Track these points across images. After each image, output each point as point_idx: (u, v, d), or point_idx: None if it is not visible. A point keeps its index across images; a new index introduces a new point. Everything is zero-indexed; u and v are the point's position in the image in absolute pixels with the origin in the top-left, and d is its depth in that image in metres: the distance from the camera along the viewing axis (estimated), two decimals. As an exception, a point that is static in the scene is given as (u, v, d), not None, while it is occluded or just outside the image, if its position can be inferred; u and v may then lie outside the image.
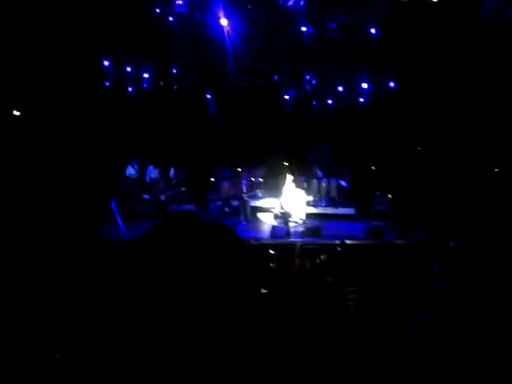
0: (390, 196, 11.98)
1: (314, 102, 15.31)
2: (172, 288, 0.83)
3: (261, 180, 13.90)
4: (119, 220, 10.18)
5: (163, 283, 0.84)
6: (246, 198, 12.31)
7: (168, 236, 0.90)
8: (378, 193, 12.16)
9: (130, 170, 13.20)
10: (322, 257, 7.92)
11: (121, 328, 0.85)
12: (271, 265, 7.53)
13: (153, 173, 13.70)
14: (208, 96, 15.09)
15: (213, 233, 0.92)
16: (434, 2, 10.74)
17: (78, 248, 7.68)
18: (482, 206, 9.80)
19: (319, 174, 14.05)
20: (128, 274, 0.89)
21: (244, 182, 13.20)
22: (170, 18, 12.09)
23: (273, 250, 8.39)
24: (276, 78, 14.78)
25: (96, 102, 12.50)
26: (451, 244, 8.02)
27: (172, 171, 14.04)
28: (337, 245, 9.04)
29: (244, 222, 11.83)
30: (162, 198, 12.53)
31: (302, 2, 11.91)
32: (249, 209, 12.27)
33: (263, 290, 5.79)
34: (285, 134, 15.74)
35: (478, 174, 10.78)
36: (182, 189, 13.12)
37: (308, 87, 14.78)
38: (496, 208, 9.53)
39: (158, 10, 11.76)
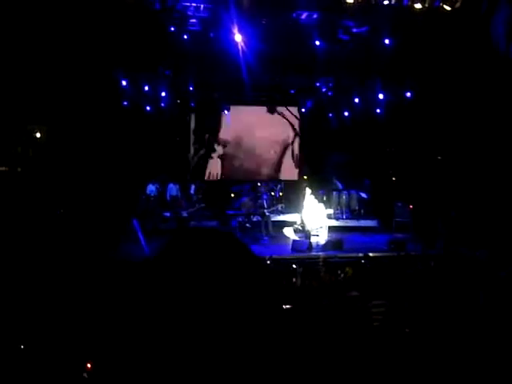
0: (411, 206, 11.86)
1: (330, 115, 15.34)
2: (189, 304, 0.84)
3: (281, 194, 13.90)
4: (142, 239, 10.22)
5: (180, 300, 0.85)
6: (267, 213, 12.30)
7: (185, 251, 0.90)
8: (399, 204, 12.04)
9: (151, 188, 13.30)
10: (346, 270, 7.86)
11: (136, 343, 0.86)
12: (294, 280, 7.49)
13: (173, 190, 13.79)
14: (225, 112, 15.20)
15: (230, 249, 0.92)
16: (446, 10, 10.70)
17: (99, 267, 7.75)
18: (503, 215, 9.65)
19: (339, 185, 14.00)
20: (145, 290, 0.90)
21: (265, 196, 13.22)
22: (185, 36, 12.21)
23: (295, 264, 8.35)
24: (292, 92, 14.86)
25: (115, 122, 12.68)
26: (477, 254, 7.90)
27: (193, 188, 14.11)
28: (360, 257, 8.96)
29: (266, 238, 11.81)
30: (184, 214, 12.59)
31: (315, 16, 11.96)
32: (271, 224, 12.26)
33: (286, 306, 5.76)
34: (302, 147, 15.79)
35: (498, 182, 10.63)
36: (203, 205, 13.18)
37: (324, 100, 14.82)
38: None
39: (172, 29, 11.89)
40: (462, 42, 10.90)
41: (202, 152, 15.55)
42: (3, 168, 12.11)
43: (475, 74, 10.87)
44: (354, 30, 12.03)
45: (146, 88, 13.70)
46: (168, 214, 12.63)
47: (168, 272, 0.85)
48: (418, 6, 10.71)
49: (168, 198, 13.51)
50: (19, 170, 12.38)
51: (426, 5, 10.79)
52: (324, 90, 14.63)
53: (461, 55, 11.07)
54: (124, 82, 13.18)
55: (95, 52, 11.22)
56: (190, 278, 0.83)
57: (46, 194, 11.54)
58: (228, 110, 15.01)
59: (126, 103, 13.60)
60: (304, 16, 12.03)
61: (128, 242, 10.25)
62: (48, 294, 6.14)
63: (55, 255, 8.45)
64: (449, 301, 5.91)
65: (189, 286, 0.82)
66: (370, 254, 9.17)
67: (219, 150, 15.63)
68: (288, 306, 5.78)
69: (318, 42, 12.64)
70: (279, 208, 13.26)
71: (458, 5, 10.70)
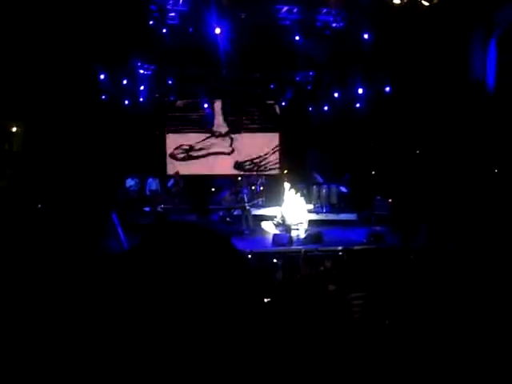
0: (390, 200, 11.98)
1: (310, 109, 15.38)
2: (169, 298, 0.82)
3: (262, 188, 13.90)
4: (121, 233, 10.15)
5: (159, 293, 0.83)
6: (247, 207, 12.30)
7: (164, 245, 0.89)
8: (378, 197, 12.15)
9: (130, 183, 13.20)
10: (326, 263, 7.90)
11: (116, 340, 0.84)
12: (274, 273, 7.52)
13: (153, 185, 13.71)
14: (205, 105, 15.15)
15: (209, 242, 0.91)
16: (425, 6, 10.80)
17: (79, 261, 7.67)
18: (481, 209, 9.80)
19: (319, 179, 14.07)
20: (124, 283, 0.88)
21: (245, 190, 13.22)
22: (164, 30, 12.12)
23: (276, 258, 8.38)
24: (272, 86, 14.86)
25: (93, 116, 12.53)
26: (449, 247, 8.03)
27: (171, 182, 14.04)
28: (340, 251, 9.03)
29: (247, 231, 11.83)
30: (163, 209, 12.53)
31: (295, 10, 11.98)
32: (251, 218, 12.27)
33: (266, 299, 5.76)
34: (283, 141, 15.82)
35: (477, 176, 10.79)
36: (183, 199, 13.13)
37: (304, 94, 14.86)
38: (495, 210, 9.53)
39: (151, 22, 11.79)
40: (439, 38, 11.03)
41: (181, 145, 15.49)
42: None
43: (453, 69, 11.00)
44: (333, 25, 12.09)
45: (125, 82, 13.57)
46: (148, 209, 12.55)
47: (144, 265, 0.84)
48: (396, 1, 10.79)
49: (148, 192, 13.43)
50: (-5, 164, 12.18)
51: (405, 0, 10.88)
52: (303, 84, 14.67)
53: (438, 50, 11.20)
54: (102, 76, 13.03)
55: (73, 45, 11.06)
56: (167, 271, 0.82)
57: (24, 188, 11.37)
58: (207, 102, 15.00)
59: (104, 97, 13.45)
60: (284, 10, 12.05)
61: (107, 236, 10.16)
62: (27, 289, 6.06)
63: (34, 249, 8.35)
64: (427, 293, 5.99)
65: (165, 280, 0.81)
66: (350, 248, 9.25)
67: (199, 143, 15.58)
68: (268, 300, 5.79)
69: (297, 37, 12.67)
70: (260, 202, 13.28)
71: (435, 0, 10.81)
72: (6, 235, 8.76)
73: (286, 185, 12.11)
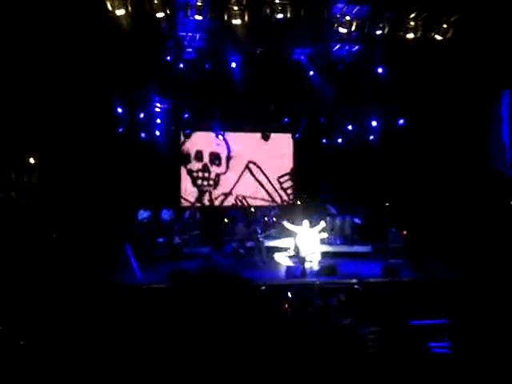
0: (404, 232, 11.87)
1: (324, 141, 15.48)
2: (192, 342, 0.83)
3: (275, 220, 13.88)
4: (134, 264, 10.17)
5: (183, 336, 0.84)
6: (261, 239, 12.28)
7: (188, 295, 0.90)
8: (392, 229, 12.06)
9: (143, 214, 13.27)
10: (340, 296, 7.80)
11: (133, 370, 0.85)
12: (286, 306, 7.43)
13: (167, 216, 13.76)
14: (220, 137, 15.31)
15: (234, 292, 0.92)
16: (438, 40, 10.93)
17: (93, 292, 7.69)
18: (495, 240, 9.69)
19: (333, 211, 14.01)
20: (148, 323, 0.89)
21: (259, 222, 13.22)
22: (181, 65, 12.39)
23: (289, 291, 8.30)
24: (286, 119, 15.01)
25: (109, 148, 12.73)
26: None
27: (187, 214, 14.09)
28: (354, 284, 8.93)
29: (260, 263, 11.77)
30: (177, 240, 12.54)
31: (308, 50, 12.21)
32: (264, 249, 12.22)
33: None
34: (295, 173, 15.88)
35: (491, 208, 10.70)
36: (197, 231, 13.14)
37: (318, 127, 14.98)
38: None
39: (168, 58, 12.07)
40: (452, 71, 11.12)
41: (196, 178, 15.60)
42: (-2, 194, 12.10)
43: (466, 102, 11.05)
44: (347, 60, 12.27)
45: (141, 115, 13.80)
46: (162, 240, 12.58)
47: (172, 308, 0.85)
48: (410, 35, 10.95)
49: (161, 223, 13.48)
50: (13, 195, 12.36)
51: (418, 35, 11.02)
52: (317, 117, 14.81)
53: (452, 83, 11.27)
54: (119, 109, 13.28)
55: (91, 79, 11.34)
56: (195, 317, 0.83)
57: (41, 219, 11.50)
58: (223, 135, 15.13)
59: (120, 130, 13.68)
60: (298, 50, 12.31)
61: (121, 267, 10.19)
62: (43, 318, 6.08)
63: (49, 278, 8.40)
64: (443, 326, 5.88)
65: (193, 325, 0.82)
66: (364, 280, 9.15)
67: (214, 176, 15.69)
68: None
69: (311, 72, 12.88)
70: (273, 233, 13.24)
71: (449, 35, 10.94)
72: (23, 263, 8.85)
73: (299, 216, 12.09)
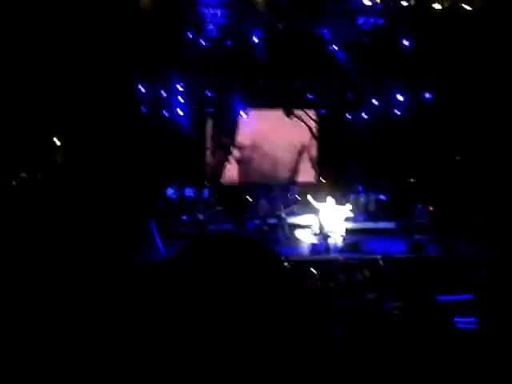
0: (431, 208, 11.70)
1: (348, 116, 15.24)
2: (205, 309, 0.81)
3: (298, 196, 13.83)
4: (159, 242, 10.28)
5: (201, 303, 0.82)
6: (283, 216, 12.27)
7: (205, 255, 0.89)
8: (418, 205, 11.89)
9: (170, 191, 13.38)
10: (364, 272, 7.77)
11: (153, 347, 0.84)
12: (309, 282, 7.43)
13: (191, 194, 13.84)
14: (243, 115, 15.22)
15: (251, 251, 0.90)
16: (468, 10, 10.57)
17: (118, 269, 7.80)
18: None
19: (359, 188, 13.86)
20: (163, 293, 0.88)
21: (281, 199, 13.19)
22: (203, 42, 12.30)
23: (313, 266, 8.29)
24: (309, 94, 14.78)
25: (133, 127, 12.80)
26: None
27: (210, 191, 14.15)
28: (378, 259, 8.86)
29: (283, 240, 11.79)
30: (201, 217, 12.62)
31: (331, 21, 11.96)
32: (287, 226, 12.22)
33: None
34: (320, 149, 15.74)
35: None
36: (220, 208, 13.19)
37: (342, 102, 14.75)
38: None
39: (190, 35, 11.99)
40: (481, 42, 10.77)
41: (219, 156, 15.59)
42: (24, 175, 12.31)
43: (495, 74, 10.72)
44: (372, 32, 11.99)
45: (164, 94, 13.80)
46: (185, 218, 12.67)
47: (185, 275, 0.84)
48: (437, 6, 10.61)
49: (185, 201, 13.57)
50: (39, 176, 12.57)
51: (446, 5, 10.68)
52: (342, 91, 14.57)
53: (480, 55, 10.93)
54: (142, 89, 13.30)
55: (114, 59, 11.37)
56: (208, 282, 0.81)
57: (66, 198, 11.68)
58: (246, 113, 15.01)
59: (143, 109, 13.72)
60: (321, 24, 12.06)
61: (146, 245, 10.30)
62: (68, 297, 6.19)
63: (76, 257, 8.55)
64: (469, 301, 5.80)
65: (206, 291, 0.80)
66: (388, 256, 9.07)
67: (236, 153, 15.65)
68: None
69: (335, 47, 12.64)
70: (295, 210, 13.21)
71: (477, 4, 10.57)
72: (49, 242, 9.01)
73: (324, 193, 12.01)
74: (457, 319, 5.32)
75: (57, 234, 9.65)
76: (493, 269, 7.19)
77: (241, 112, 14.70)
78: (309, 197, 11.94)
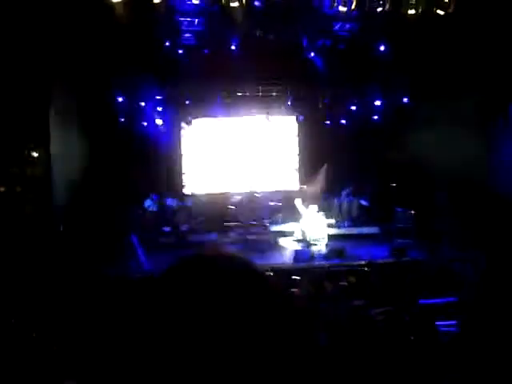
0: (412, 212, 11.77)
1: (328, 123, 15.31)
2: (190, 325, 0.78)
3: (280, 204, 13.81)
4: (141, 254, 10.15)
5: (181, 320, 0.79)
6: (267, 224, 12.26)
7: (185, 278, 0.86)
8: (399, 209, 11.96)
9: (149, 203, 13.24)
10: (349, 278, 7.77)
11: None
12: (295, 290, 7.39)
13: (172, 204, 13.72)
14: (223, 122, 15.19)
15: (234, 277, 0.87)
16: (440, 15, 10.71)
17: (97, 283, 7.69)
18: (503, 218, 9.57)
19: (344, 194, 13.89)
20: (146, 308, 0.85)
21: (264, 207, 13.16)
22: (180, 51, 12.25)
23: (297, 274, 8.26)
24: (289, 101, 14.82)
25: (112, 138, 12.67)
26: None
27: (192, 201, 14.05)
28: (362, 265, 8.88)
29: (266, 248, 11.75)
30: (183, 228, 12.52)
31: (309, 30, 12.01)
32: (271, 234, 12.19)
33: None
34: (300, 156, 15.76)
35: (498, 185, 10.56)
36: (202, 218, 13.10)
37: (321, 108, 14.80)
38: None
39: (167, 44, 11.92)
40: (456, 46, 10.91)
41: (199, 165, 15.52)
42: (2, 188, 12.06)
43: (470, 77, 10.85)
44: (347, 38, 12.07)
45: (142, 104, 13.70)
46: (167, 229, 12.56)
47: (171, 293, 0.81)
48: (411, 11, 10.73)
49: (166, 212, 13.45)
50: (18, 189, 12.32)
51: (420, 10, 10.81)
52: (321, 98, 14.64)
53: (456, 59, 11.07)
54: (120, 99, 13.19)
55: (90, 69, 11.24)
56: (193, 300, 0.79)
57: (45, 211, 11.47)
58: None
59: (122, 119, 13.60)
60: (298, 31, 12.10)
61: (127, 257, 10.16)
62: (45, 309, 6.07)
63: (55, 271, 8.40)
64: (452, 306, 5.82)
65: (191, 309, 0.78)
66: (372, 262, 9.09)
67: (217, 161, 15.59)
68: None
69: (312, 54, 12.71)
70: (279, 218, 13.19)
71: (451, 9, 10.72)
72: (29, 256, 8.85)
73: (305, 199, 12.01)
74: (439, 323, 5.34)
75: (36, 247, 9.47)
76: (475, 271, 7.24)
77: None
78: (296, 201, 11.89)
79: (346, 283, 7.60)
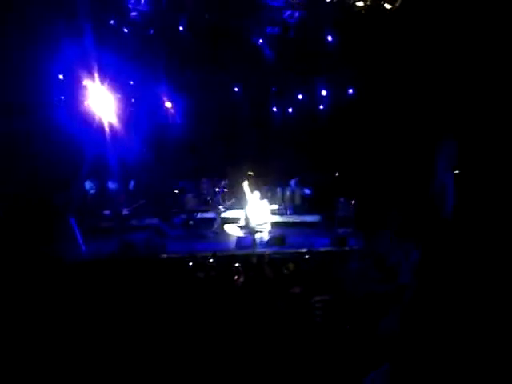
0: (353, 202, 12.01)
1: (274, 110, 15.34)
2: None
3: (225, 190, 13.74)
4: (79, 237, 9.89)
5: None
6: (220, 210, 12.23)
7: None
8: (341, 199, 12.16)
9: (89, 185, 12.82)
10: (289, 265, 7.84)
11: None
12: (236, 277, 7.40)
13: (113, 187, 13.33)
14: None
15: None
16: (387, 9, 10.89)
17: (37, 269, 7.43)
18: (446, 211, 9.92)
19: (292, 183, 13.98)
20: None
21: (209, 193, 13.06)
22: (125, 30, 11.90)
23: (239, 261, 8.27)
24: (236, 88, 14.73)
25: (48, 117, 12.16)
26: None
27: (132, 183, 13.71)
28: (303, 253, 8.99)
29: (210, 234, 11.71)
30: (124, 212, 12.23)
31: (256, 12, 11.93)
32: (214, 220, 12.13)
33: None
34: (247, 142, 15.71)
35: (442, 177, 10.91)
36: (143, 201, 12.82)
37: (268, 96, 14.81)
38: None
39: (112, 21, 11.56)
40: (402, 41, 11.13)
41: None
42: None
43: (415, 71, 11.11)
44: (294, 26, 12.08)
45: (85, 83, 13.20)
46: (108, 212, 12.23)
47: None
48: (359, 3, 10.85)
49: (107, 195, 13.07)
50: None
51: (368, 3, 10.95)
52: (267, 85, 14.63)
53: (401, 53, 11.30)
54: (60, 76, 12.69)
55: (30, 48, 10.74)
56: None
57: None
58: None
59: (63, 98, 13.08)
60: (243, 17, 12.00)
61: (64, 240, 9.87)
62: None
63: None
64: (389, 296, 5.97)
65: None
66: (313, 250, 9.21)
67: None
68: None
69: (261, 40, 12.65)
70: (223, 204, 13.13)
71: (397, 4, 10.91)
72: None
73: (250, 187, 11.99)
74: (377, 312, 5.46)
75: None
76: (414, 262, 7.46)
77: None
78: (244, 184, 11.81)
79: (285, 270, 7.67)
